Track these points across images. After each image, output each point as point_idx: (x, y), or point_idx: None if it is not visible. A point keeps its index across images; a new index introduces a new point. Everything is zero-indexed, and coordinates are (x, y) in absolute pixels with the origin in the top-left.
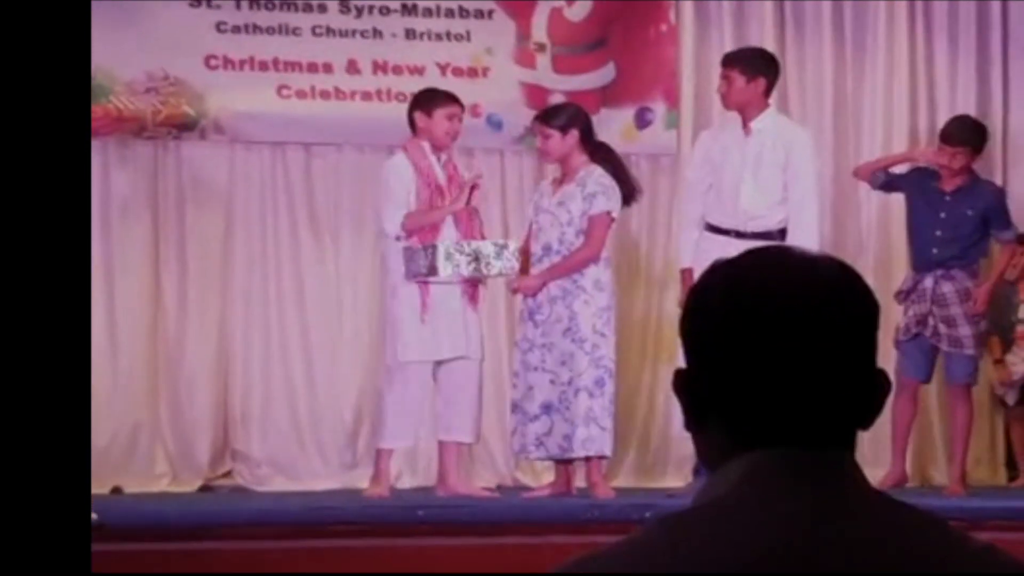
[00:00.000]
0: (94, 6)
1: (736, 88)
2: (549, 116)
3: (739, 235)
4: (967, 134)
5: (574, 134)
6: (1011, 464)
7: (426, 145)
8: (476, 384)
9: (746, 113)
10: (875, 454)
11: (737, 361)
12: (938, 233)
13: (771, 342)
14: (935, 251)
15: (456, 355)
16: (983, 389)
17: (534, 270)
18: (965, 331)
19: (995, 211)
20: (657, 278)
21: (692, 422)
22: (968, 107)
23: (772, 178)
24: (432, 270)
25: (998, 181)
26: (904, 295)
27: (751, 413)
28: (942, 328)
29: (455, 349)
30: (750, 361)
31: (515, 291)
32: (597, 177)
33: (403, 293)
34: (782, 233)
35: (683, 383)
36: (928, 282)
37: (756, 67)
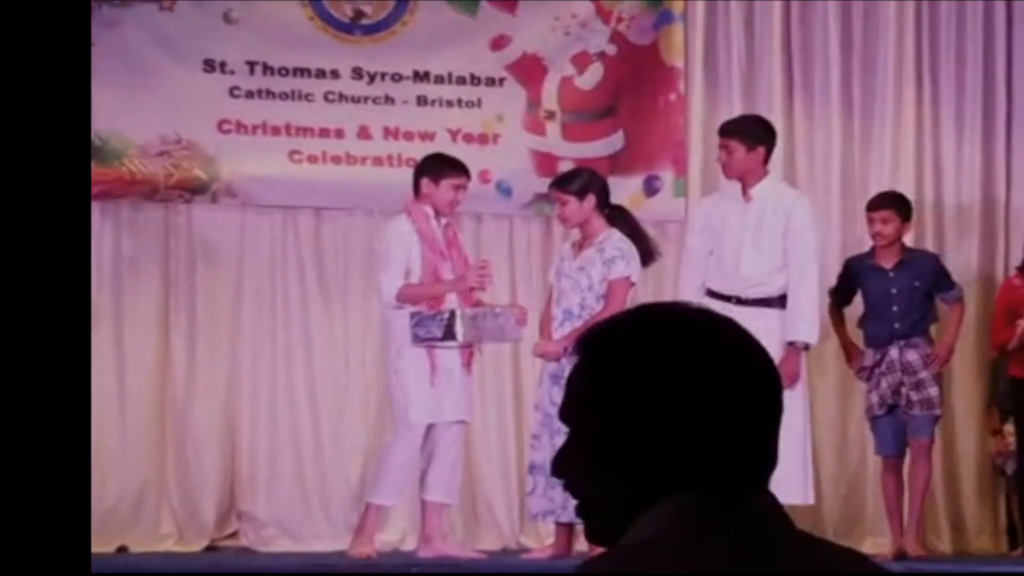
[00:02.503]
0: (109, 69)
1: (736, 158)
2: (565, 182)
3: (739, 301)
4: (891, 200)
5: (591, 199)
6: (1012, 532)
7: (429, 209)
8: (462, 446)
9: (746, 181)
10: (876, 525)
11: (671, 411)
12: (895, 308)
13: (725, 395)
14: (897, 325)
15: (457, 418)
16: (984, 459)
17: (555, 335)
18: (934, 391)
19: (937, 277)
20: None
21: (600, 478)
22: (973, 180)
23: (772, 244)
24: (449, 335)
25: (1000, 253)
26: (869, 371)
27: (680, 459)
28: (913, 395)
29: (457, 412)
30: (685, 411)
31: (538, 355)
32: (615, 242)
33: (409, 355)
34: (782, 299)
35: (590, 441)
36: (894, 353)
37: (755, 136)
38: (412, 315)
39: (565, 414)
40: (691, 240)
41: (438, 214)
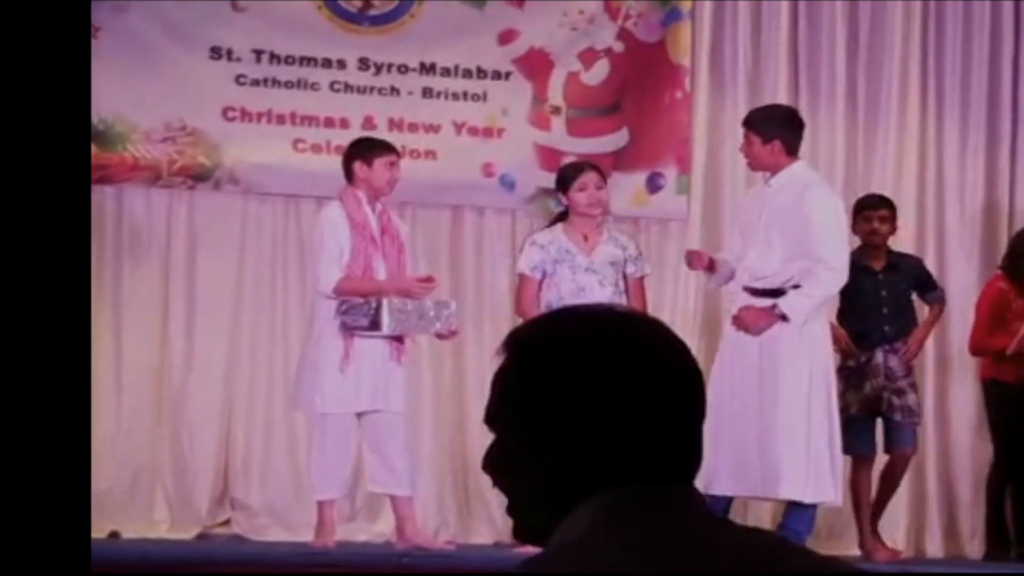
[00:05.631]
0: (115, 54)
1: (754, 151)
2: (599, 169)
3: (753, 292)
4: (887, 200)
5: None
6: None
7: (362, 195)
8: (401, 437)
9: (770, 171)
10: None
11: (597, 410)
12: (885, 311)
13: (649, 392)
14: (887, 328)
15: (375, 407)
16: (979, 463)
17: None
18: (913, 399)
19: (922, 279)
20: None
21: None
22: (976, 186)
23: (781, 237)
24: (375, 325)
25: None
26: (849, 372)
27: (606, 457)
28: (895, 400)
29: (375, 402)
30: (612, 409)
31: None
32: (627, 239)
33: (327, 343)
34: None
35: (519, 442)
36: (879, 357)
37: (771, 129)
38: (340, 303)
39: (491, 414)
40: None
41: (375, 198)
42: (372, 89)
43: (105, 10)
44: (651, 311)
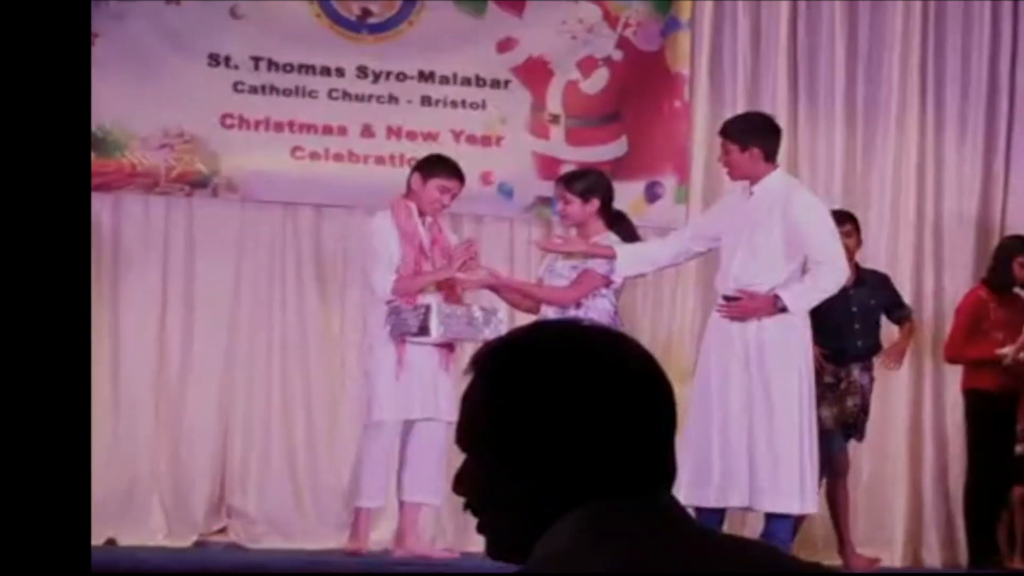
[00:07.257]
0: (113, 62)
1: (732, 159)
2: (572, 180)
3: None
4: (849, 215)
5: (594, 203)
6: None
7: (413, 206)
8: (444, 445)
9: (751, 179)
10: (868, 535)
11: (570, 424)
12: (857, 327)
13: (620, 404)
14: (860, 343)
15: (427, 416)
16: None
17: None
18: (866, 419)
19: (891, 295)
20: (660, 350)
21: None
22: (974, 192)
23: (765, 244)
24: (423, 330)
25: None
26: (826, 388)
27: (580, 471)
28: (861, 419)
29: (426, 410)
30: (584, 423)
31: None
32: (613, 243)
33: (380, 351)
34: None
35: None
36: (856, 373)
37: (748, 137)
38: (391, 309)
39: (461, 434)
40: (699, 218)
41: (422, 213)
42: (371, 97)
43: (104, 17)
44: (649, 321)
